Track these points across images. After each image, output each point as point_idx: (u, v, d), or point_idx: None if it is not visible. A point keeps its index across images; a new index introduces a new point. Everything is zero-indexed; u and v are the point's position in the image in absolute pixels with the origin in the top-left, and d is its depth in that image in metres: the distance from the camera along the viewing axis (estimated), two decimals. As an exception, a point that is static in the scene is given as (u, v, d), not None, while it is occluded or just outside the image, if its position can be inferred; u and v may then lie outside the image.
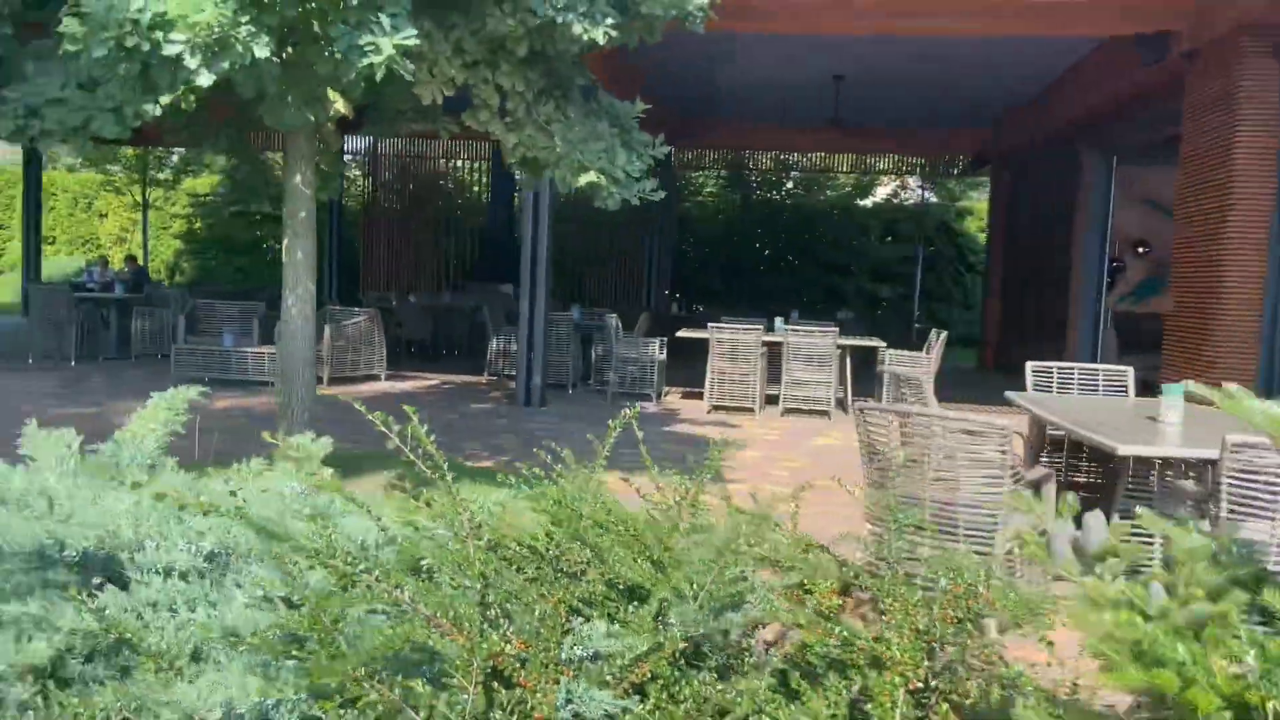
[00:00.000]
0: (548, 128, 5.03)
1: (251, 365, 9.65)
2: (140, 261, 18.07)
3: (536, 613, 1.87)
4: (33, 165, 17.74)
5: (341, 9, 3.21)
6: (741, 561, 2.20)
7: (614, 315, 10.62)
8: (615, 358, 10.19)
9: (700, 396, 10.27)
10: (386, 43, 3.23)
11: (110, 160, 19.93)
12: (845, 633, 2.00)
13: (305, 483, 3.22)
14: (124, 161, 19.74)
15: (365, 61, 3.27)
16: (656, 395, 10.16)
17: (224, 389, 9.44)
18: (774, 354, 9.77)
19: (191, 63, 3.11)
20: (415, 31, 3.36)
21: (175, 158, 20.26)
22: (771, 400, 9.79)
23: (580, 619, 2.00)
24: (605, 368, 10.95)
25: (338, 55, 3.31)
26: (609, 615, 2.11)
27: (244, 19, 3.07)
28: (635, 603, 2.21)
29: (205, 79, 3.24)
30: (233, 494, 2.20)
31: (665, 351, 10.27)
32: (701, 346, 10.15)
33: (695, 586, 2.08)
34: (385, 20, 3.24)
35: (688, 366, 11.12)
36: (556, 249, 19.79)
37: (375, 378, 10.73)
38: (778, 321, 10.21)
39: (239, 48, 3.11)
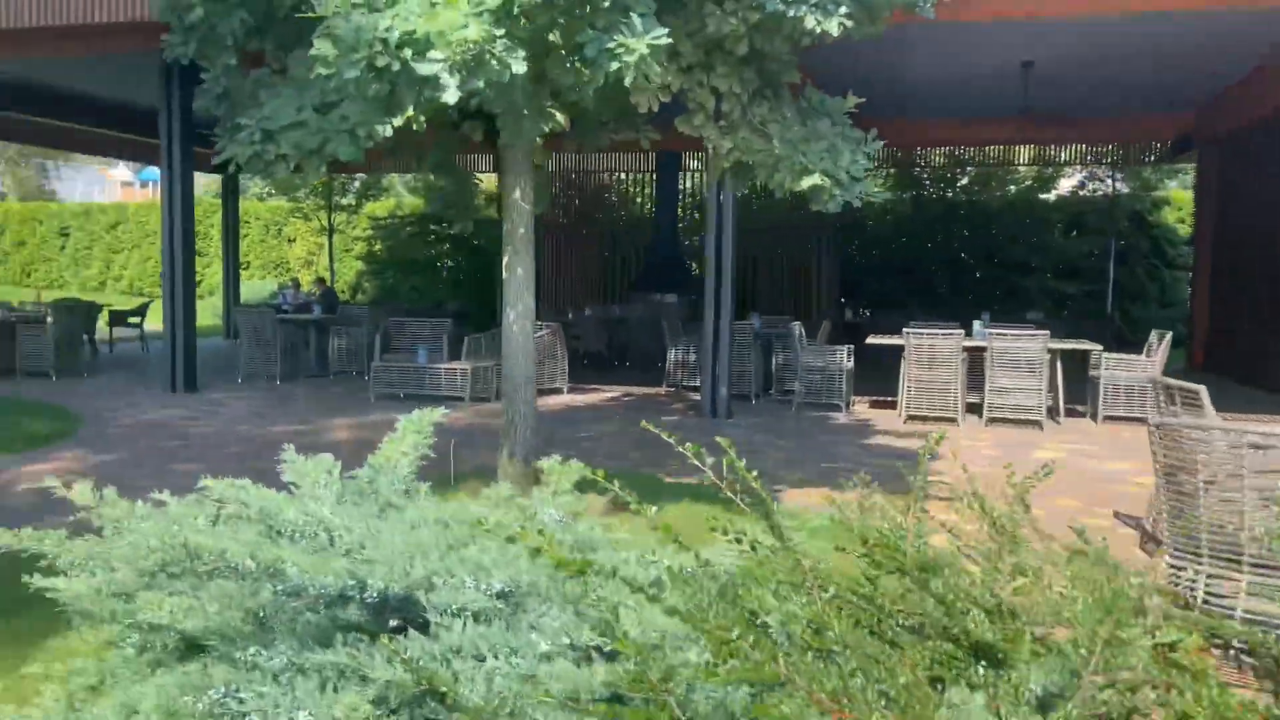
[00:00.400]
0: (764, 129, 4.78)
1: (444, 381, 9.86)
2: (328, 283, 19.03)
3: (902, 680, 1.61)
4: (231, 196, 19.00)
5: (591, 12, 3.07)
6: (1122, 616, 1.86)
7: (797, 323, 10.28)
8: (800, 367, 9.84)
9: (890, 406, 9.79)
10: (639, 43, 3.07)
11: (298, 188, 21.13)
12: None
13: (564, 509, 3.07)
14: (311, 188, 20.86)
15: (614, 65, 3.12)
16: (845, 405, 9.74)
17: (418, 404, 9.65)
18: (972, 359, 9.19)
19: (450, 81, 3.03)
20: (665, 30, 3.19)
21: (357, 183, 21.27)
22: (971, 409, 9.21)
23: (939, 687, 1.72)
24: (787, 377, 10.63)
25: (579, 64, 3.17)
26: (959, 680, 1.82)
27: (499, 33, 2.97)
28: (984, 664, 1.91)
29: (451, 96, 3.16)
30: (540, 532, 2.04)
31: (853, 359, 9.84)
32: (884, 353, 9.70)
33: (1081, 647, 1.76)
34: (636, 20, 3.08)
35: (870, 375, 10.65)
36: (698, 249, 19.58)
37: (558, 391, 10.78)
38: (976, 325, 9.60)
39: (495, 64, 3.01)
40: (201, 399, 9.83)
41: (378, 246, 23.49)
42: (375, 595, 2.03)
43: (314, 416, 8.87)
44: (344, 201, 21.55)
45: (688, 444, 2.06)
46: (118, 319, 14.81)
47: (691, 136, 5.80)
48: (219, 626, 1.97)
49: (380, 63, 3.09)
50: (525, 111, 3.70)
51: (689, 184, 19.38)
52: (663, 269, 17.35)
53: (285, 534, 2.58)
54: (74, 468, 6.54)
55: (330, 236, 21.57)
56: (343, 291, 22.82)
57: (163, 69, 9.90)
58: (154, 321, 15.92)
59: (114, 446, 7.29)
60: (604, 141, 5.78)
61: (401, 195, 24.39)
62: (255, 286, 23.33)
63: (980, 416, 9.02)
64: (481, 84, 3.09)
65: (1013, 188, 20.11)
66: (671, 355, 11.26)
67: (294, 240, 24.99)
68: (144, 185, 44.63)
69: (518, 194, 4.58)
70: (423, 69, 3.07)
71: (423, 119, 4.04)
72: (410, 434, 3.41)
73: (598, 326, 13.53)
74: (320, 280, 18.90)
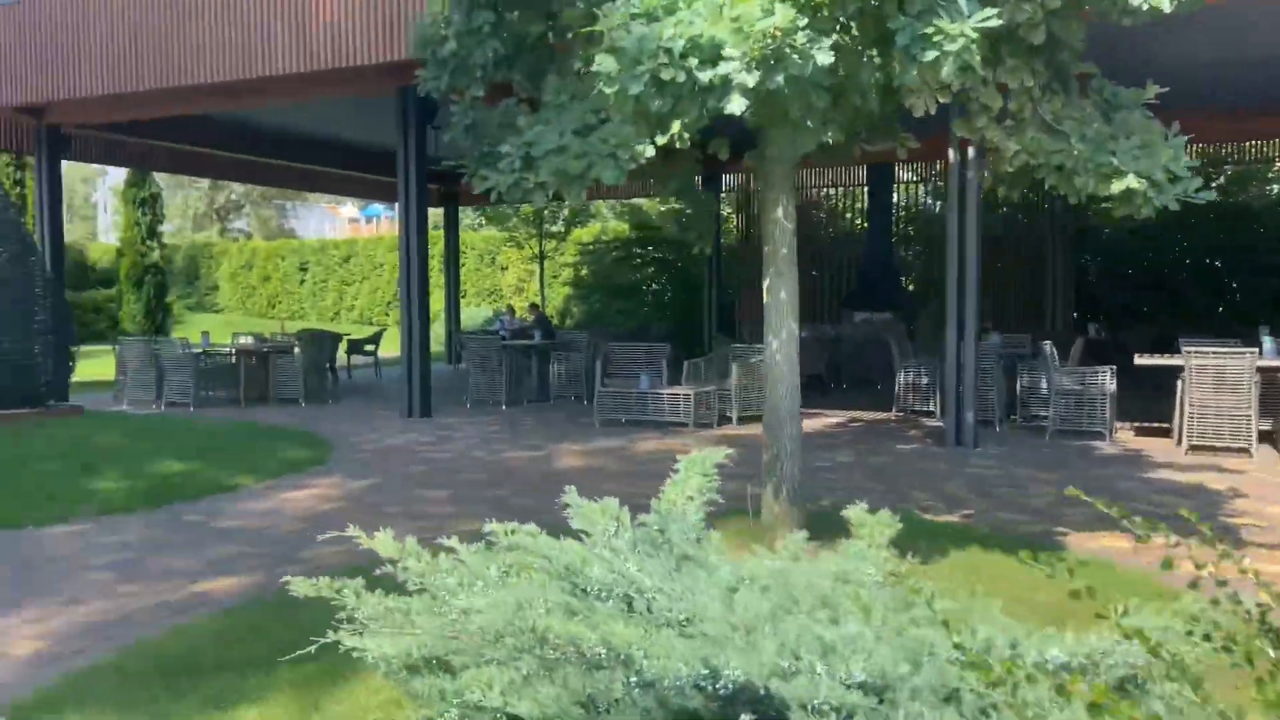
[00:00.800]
0: (1059, 127, 4.23)
1: (668, 407, 9.69)
2: (540, 308, 19.53)
3: None
4: (451, 227, 19.92)
5: (907, -3, 2.72)
6: None
7: (1048, 341, 9.40)
8: (1054, 390, 8.97)
9: (1161, 434, 8.77)
10: (961, 27, 2.68)
11: (507, 218, 21.98)
12: None
13: (884, 568, 2.70)
14: (522, 217, 21.60)
15: (930, 55, 2.74)
16: (1108, 433, 8.77)
17: (641, 430, 9.55)
18: (1264, 382, 8.04)
19: (747, 79, 2.76)
20: (995, 10, 2.78)
21: (565, 211, 21.79)
22: (1263, 438, 8.05)
23: None
24: (1033, 401, 9.78)
25: (878, 58, 2.81)
26: None
27: (802, 22, 2.68)
28: None
29: (737, 105, 2.89)
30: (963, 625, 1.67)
31: (1115, 381, 8.87)
32: (1139, 374, 8.69)
33: None
34: (962, 1, 2.70)
35: (1126, 398, 9.59)
36: (935, 267, 18.65)
37: (780, 416, 10.36)
38: (1266, 343, 8.41)
39: (796, 57, 2.71)
40: (435, 424, 10.12)
41: (584, 271, 23.97)
42: (729, 687, 1.73)
43: (544, 442, 8.90)
44: (553, 229, 22.14)
45: (1137, 518, 1.62)
46: (354, 347, 15.70)
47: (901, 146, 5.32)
48: (555, 713, 1.73)
49: (666, 74, 2.86)
50: (808, 121, 3.37)
51: (900, 197, 18.59)
52: (875, 286, 16.64)
53: (591, 593, 2.35)
54: (330, 493, 6.77)
55: (541, 263, 22.20)
56: (552, 316, 23.41)
57: (400, 109, 10.36)
58: (385, 349, 16.83)
59: (363, 472, 7.53)
60: (855, 152, 5.36)
61: (606, 220, 24.82)
62: (470, 313, 24.37)
63: (1277, 447, 7.86)
64: (781, 80, 2.78)
65: (1276, 187, 17.95)
66: (901, 378, 10.62)
67: (506, 268, 25.95)
68: (368, 221, 48.07)
69: (779, 212, 4.27)
70: (720, 69, 2.81)
71: (686, 136, 3.80)
72: (694, 476, 3.13)
73: (815, 348, 13.02)
74: (534, 306, 19.42)
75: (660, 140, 3.77)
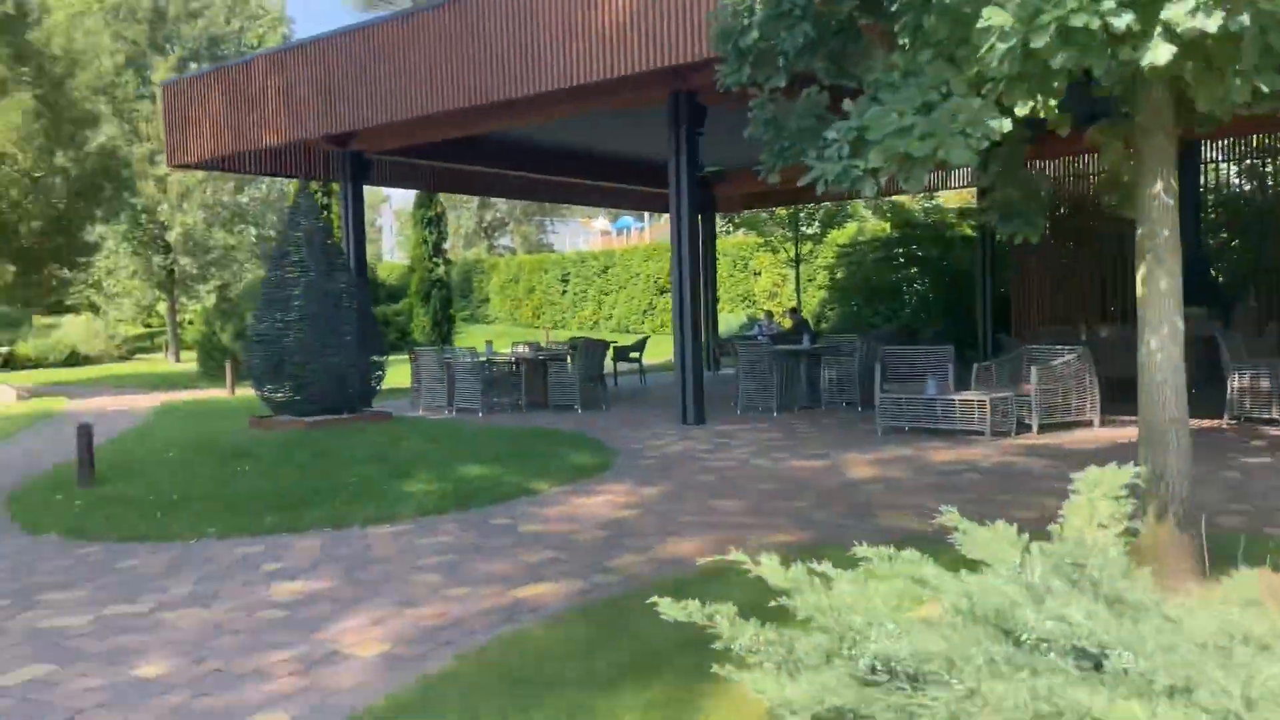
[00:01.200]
0: None
1: (959, 414, 8.99)
2: (800, 313, 19.10)
3: None
4: (708, 234, 19.93)
5: None
6: None
7: None
8: None
9: None
10: None
11: (762, 222, 21.73)
12: None
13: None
14: (777, 220, 21.27)
15: None
16: None
17: (927, 438, 8.92)
18: None
19: (1209, 23, 2.30)
20: None
21: (821, 212, 21.23)
22: None
23: None
24: None
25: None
26: None
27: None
28: None
29: (1163, 53, 2.41)
30: None
31: None
32: None
33: None
34: None
35: None
36: (1251, 256, 16.36)
37: (1087, 423, 9.36)
38: None
39: (1269, -15, 2.22)
40: (710, 430, 9.99)
41: (840, 274, 23.24)
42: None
43: (827, 450, 8.49)
44: (808, 231, 21.64)
45: None
46: (620, 354, 16.01)
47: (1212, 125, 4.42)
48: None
49: (1077, 21, 2.43)
50: (1237, 66, 2.78)
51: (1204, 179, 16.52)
52: (1183, 279, 14.82)
53: (1026, 643, 1.97)
54: (624, 500, 6.75)
55: (797, 266, 21.76)
56: (807, 319, 22.88)
57: (670, 116, 10.34)
58: (647, 356, 17.05)
59: (651, 479, 7.48)
60: (1225, 119, 4.57)
61: (865, 220, 23.95)
62: (724, 319, 24.33)
63: None
64: (1246, 19, 2.28)
65: None
66: (1234, 380, 9.27)
67: (759, 273, 25.71)
68: (619, 234, 49.61)
69: (1159, 187, 3.66)
70: (1123, 21, 2.36)
71: (1053, 104, 3.32)
72: (1101, 500, 2.65)
73: (1121, 349, 11.71)
74: (793, 310, 19.04)
75: (1021, 112, 3.32)
